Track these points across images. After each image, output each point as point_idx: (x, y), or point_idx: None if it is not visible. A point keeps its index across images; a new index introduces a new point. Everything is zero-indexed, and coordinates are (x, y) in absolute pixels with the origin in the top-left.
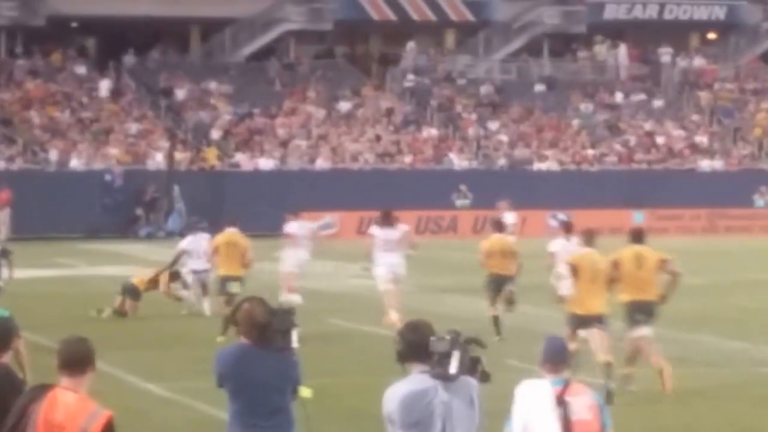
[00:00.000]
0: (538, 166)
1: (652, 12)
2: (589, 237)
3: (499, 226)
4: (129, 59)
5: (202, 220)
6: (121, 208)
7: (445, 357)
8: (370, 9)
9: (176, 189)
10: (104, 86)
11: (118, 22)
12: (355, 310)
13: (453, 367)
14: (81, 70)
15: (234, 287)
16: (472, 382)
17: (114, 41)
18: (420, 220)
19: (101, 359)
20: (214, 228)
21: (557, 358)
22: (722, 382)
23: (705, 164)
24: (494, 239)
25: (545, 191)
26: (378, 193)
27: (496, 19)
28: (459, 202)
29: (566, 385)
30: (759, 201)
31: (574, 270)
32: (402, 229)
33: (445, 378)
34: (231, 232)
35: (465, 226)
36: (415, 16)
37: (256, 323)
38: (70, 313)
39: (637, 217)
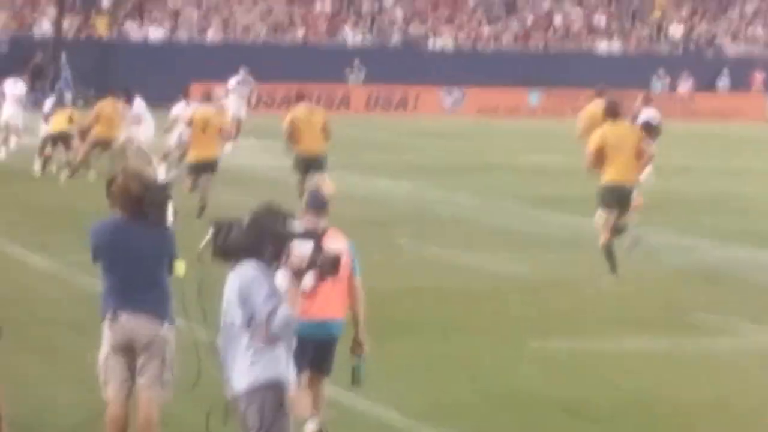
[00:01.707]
0: (433, 43)
1: None
2: (207, 97)
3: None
4: None
5: (90, 89)
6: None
7: None
8: None
9: (63, 57)
10: None
11: None
12: (248, 184)
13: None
14: None
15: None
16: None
17: None
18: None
19: None
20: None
21: (317, 204)
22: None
23: (603, 46)
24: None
25: (440, 68)
26: (270, 67)
27: None
28: (352, 78)
29: (324, 231)
30: (657, 84)
31: (190, 123)
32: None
33: None
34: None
35: (358, 102)
36: None
37: (131, 196)
38: None
39: (532, 97)
